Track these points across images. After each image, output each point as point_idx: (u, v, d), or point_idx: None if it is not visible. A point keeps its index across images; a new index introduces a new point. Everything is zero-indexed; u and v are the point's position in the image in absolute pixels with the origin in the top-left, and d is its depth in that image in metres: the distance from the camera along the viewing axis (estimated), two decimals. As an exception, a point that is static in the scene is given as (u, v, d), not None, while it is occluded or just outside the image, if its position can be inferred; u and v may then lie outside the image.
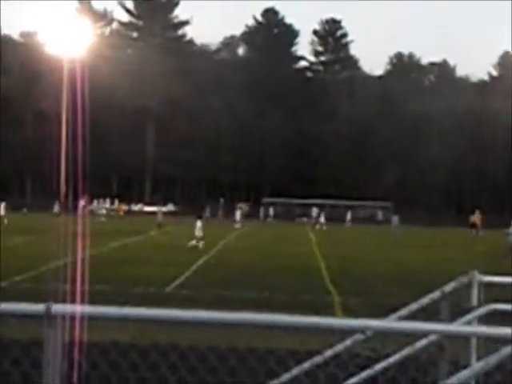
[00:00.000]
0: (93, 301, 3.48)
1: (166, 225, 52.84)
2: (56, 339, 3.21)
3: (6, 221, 50.81)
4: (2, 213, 55.89)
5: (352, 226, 66.16)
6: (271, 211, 78.65)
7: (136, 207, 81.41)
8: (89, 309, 3.28)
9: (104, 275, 20.88)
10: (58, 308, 3.18)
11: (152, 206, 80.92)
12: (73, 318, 3.27)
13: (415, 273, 25.10)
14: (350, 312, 15.34)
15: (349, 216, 71.85)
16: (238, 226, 57.93)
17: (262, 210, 79.13)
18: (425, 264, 28.78)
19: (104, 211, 70.37)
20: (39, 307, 3.17)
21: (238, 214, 62.44)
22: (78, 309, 3.28)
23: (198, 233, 34.84)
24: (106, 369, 3.87)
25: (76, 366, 3.73)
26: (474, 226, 62.70)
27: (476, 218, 64.04)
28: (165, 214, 74.61)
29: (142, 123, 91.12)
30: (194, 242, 34.18)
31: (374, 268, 26.97)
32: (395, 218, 67.43)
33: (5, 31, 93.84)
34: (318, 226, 61.40)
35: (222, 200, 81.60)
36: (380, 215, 77.05)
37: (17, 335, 6.26)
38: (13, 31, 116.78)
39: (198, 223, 35.49)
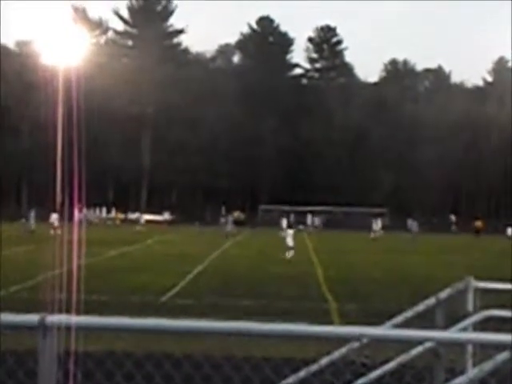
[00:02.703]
0: (94, 311, 3.48)
1: (236, 234, 52.39)
2: (51, 350, 3.20)
3: (56, 232, 48.98)
4: (55, 224, 54.48)
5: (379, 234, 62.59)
6: (316, 221, 76.93)
7: (133, 215, 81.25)
8: (83, 319, 3.27)
9: (108, 284, 20.96)
10: (52, 318, 3.17)
11: (148, 214, 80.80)
12: (68, 328, 3.26)
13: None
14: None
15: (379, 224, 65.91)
16: (283, 234, 57.94)
17: (309, 217, 77.16)
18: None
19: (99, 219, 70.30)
20: (33, 318, 3.15)
21: (283, 222, 62.40)
22: (73, 319, 3.28)
23: (289, 242, 34.51)
24: (101, 379, 3.87)
25: (71, 376, 3.73)
26: (477, 231, 63.63)
27: (479, 223, 64.85)
28: (161, 222, 74.64)
29: (138, 131, 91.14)
30: (290, 253, 33.94)
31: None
32: (414, 224, 67.02)
33: (0, 40, 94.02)
34: (373, 234, 59.26)
35: (223, 208, 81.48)
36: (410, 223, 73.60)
37: (12, 346, 6.24)
38: (8, 40, 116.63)
39: (289, 232, 35.23)
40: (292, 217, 72.88)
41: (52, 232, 49.35)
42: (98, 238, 44.03)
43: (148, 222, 74.95)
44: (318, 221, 76.21)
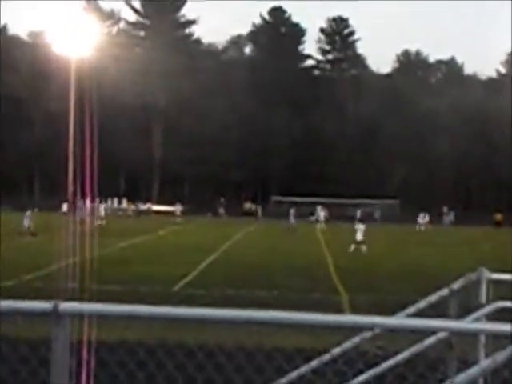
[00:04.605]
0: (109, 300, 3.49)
1: (297, 229, 51.83)
2: (64, 337, 3.21)
3: (102, 222, 51.33)
4: (102, 214, 55.91)
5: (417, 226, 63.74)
6: (376, 213, 75.79)
7: (144, 206, 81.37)
8: (96, 307, 3.27)
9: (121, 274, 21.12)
10: (65, 306, 3.18)
11: (160, 205, 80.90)
12: (81, 316, 3.26)
13: None
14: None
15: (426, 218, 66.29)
16: (320, 226, 58.51)
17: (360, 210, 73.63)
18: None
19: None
20: (47, 305, 3.16)
21: (321, 215, 62.69)
22: (86, 307, 3.28)
23: (359, 236, 34.63)
24: (113, 367, 3.88)
25: (84, 364, 3.74)
26: (498, 223, 64.37)
27: (499, 216, 65.73)
28: (173, 213, 74.60)
29: (150, 122, 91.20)
30: (354, 247, 34.10)
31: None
32: (451, 215, 68.17)
33: (13, 31, 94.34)
34: (421, 227, 60.94)
35: (222, 199, 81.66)
36: (450, 217, 72.80)
37: (25, 333, 6.27)
38: (21, 31, 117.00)
39: (360, 226, 35.32)
40: (359, 212, 72.24)
41: (99, 222, 50.59)
42: (149, 227, 45.91)
43: (159, 212, 75.15)
44: (377, 213, 76.07)
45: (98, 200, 62.37)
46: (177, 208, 71.26)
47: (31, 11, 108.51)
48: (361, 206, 78.67)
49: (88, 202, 60.31)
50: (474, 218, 70.85)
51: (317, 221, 62.02)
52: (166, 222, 58.29)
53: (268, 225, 59.43)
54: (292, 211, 57.44)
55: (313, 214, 75.70)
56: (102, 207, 58.32)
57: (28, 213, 40.21)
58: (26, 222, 39.18)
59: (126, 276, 21.48)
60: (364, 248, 33.69)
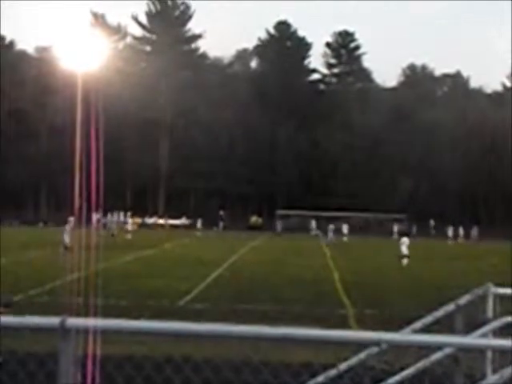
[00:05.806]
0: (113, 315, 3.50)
1: (337, 244, 50.46)
2: (70, 352, 3.22)
3: (129, 236, 52.18)
4: (130, 228, 56.64)
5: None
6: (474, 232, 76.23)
7: (150, 220, 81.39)
8: (103, 322, 3.28)
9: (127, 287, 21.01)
10: (72, 321, 3.19)
11: (166, 218, 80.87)
12: (87, 331, 3.27)
13: None
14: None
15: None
16: (345, 239, 58.14)
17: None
18: None
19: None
20: (54, 321, 3.18)
21: (345, 228, 62.27)
22: (92, 322, 3.29)
23: (404, 250, 34.43)
24: (120, 382, 3.88)
25: (90, 379, 3.74)
26: None
27: None
28: (177, 226, 74.70)
29: (156, 136, 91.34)
30: (404, 261, 33.89)
31: None
32: (475, 230, 68.36)
33: (20, 46, 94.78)
34: (451, 242, 61.02)
35: (221, 212, 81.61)
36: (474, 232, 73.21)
37: (32, 348, 6.27)
38: (28, 46, 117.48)
39: (405, 240, 35.11)
40: (396, 226, 71.54)
41: (129, 236, 51.23)
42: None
43: (175, 226, 75.45)
44: (414, 229, 75.15)
45: (128, 214, 63.48)
46: (198, 222, 71.70)
47: (38, 26, 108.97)
48: (371, 219, 78.75)
49: (116, 215, 60.88)
50: (484, 232, 70.70)
51: (341, 234, 61.33)
52: (187, 235, 58.63)
53: (291, 240, 58.29)
54: (331, 226, 55.92)
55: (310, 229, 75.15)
56: (130, 221, 58.64)
57: (68, 226, 37.67)
58: (67, 237, 36.50)
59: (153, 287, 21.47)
60: (406, 261, 33.56)
